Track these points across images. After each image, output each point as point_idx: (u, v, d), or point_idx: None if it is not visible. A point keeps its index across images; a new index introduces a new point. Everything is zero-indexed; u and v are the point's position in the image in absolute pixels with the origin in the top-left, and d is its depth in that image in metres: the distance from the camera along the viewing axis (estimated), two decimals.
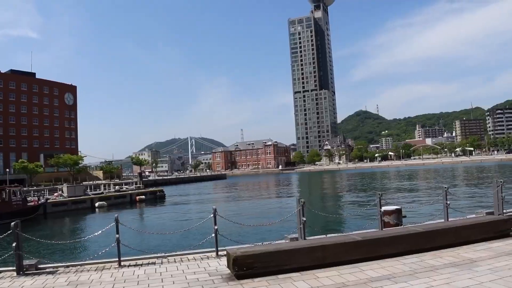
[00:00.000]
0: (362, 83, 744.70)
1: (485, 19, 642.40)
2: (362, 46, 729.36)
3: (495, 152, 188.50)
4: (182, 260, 8.32)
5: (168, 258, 8.59)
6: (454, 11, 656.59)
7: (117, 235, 7.97)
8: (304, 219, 8.50)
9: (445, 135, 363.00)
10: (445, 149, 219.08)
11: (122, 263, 8.11)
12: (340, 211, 27.93)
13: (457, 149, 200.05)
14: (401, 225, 10.11)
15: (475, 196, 32.54)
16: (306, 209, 8.85)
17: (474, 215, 11.48)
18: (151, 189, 55.94)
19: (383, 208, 10.16)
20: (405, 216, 10.37)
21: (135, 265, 8.08)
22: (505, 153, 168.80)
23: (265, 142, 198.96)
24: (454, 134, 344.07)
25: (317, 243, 6.75)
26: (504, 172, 69.20)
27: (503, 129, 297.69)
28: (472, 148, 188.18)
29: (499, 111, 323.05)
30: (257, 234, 17.56)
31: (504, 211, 11.04)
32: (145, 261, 8.34)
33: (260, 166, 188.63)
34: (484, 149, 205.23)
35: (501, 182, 10.90)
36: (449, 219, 10.37)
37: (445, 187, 9.99)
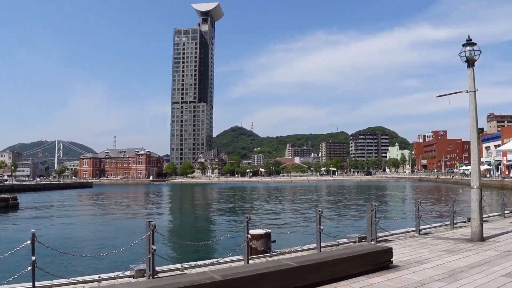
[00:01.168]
0: (240, 100, 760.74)
1: (355, 54, 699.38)
2: (243, 65, 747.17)
3: (355, 173, 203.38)
4: None
5: None
6: (330, 43, 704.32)
7: None
8: (154, 247, 6.77)
9: (312, 155, 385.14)
10: (311, 168, 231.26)
11: None
12: (204, 234, 24.80)
13: (322, 169, 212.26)
14: (269, 252, 8.85)
15: (342, 216, 33.29)
16: (162, 233, 7.11)
17: (345, 240, 10.71)
18: (1, 195, 49.11)
19: (251, 232, 8.84)
20: (274, 241, 9.18)
21: None
22: (364, 175, 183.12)
23: (138, 151, 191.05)
24: (320, 155, 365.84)
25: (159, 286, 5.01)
26: (363, 191, 73.98)
27: (363, 153, 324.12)
28: (335, 169, 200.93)
29: (361, 136, 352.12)
30: (94, 264, 14.60)
31: (377, 234, 10.45)
32: None
33: (130, 176, 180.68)
34: (346, 170, 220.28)
35: (375, 206, 10.26)
36: (322, 245, 9.41)
37: (319, 211, 8.96)
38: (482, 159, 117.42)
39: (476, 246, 9.67)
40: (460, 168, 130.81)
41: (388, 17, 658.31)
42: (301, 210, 37.99)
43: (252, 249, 8.82)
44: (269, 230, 9.15)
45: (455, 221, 13.38)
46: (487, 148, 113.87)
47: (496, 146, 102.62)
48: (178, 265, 7.74)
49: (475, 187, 10.71)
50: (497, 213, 16.61)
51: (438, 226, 13.37)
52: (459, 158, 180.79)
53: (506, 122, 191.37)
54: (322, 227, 8.83)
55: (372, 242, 10.16)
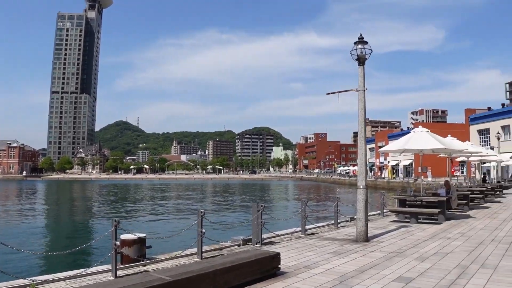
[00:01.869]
0: (126, 93, 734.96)
1: (246, 55, 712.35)
2: (131, 57, 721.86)
3: (241, 172, 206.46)
4: None
5: None
6: (222, 42, 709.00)
7: None
8: None
9: (199, 153, 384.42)
10: (198, 166, 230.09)
11: None
12: (71, 240, 20.97)
13: (208, 167, 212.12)
14: (143, 260, 7.69)
15: (227, 216, 32.72)
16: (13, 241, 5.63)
17: (229, 243, 9.91)
18: None
19: (122, 237, 7.62)
20: (150, 247, 8.04)
21: None
22: (249, 173, 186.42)
23: (10, 144, 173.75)
24: (207, 153, 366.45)
25: None
26: (248, 190, 74.72)
27: (249, 152, 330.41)
28: (221, 167, 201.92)
29: (247, 135, 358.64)
30: None
31: (263, 236, 9.79)
32: None
33: (0, 171, 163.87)
34: (232, 168, 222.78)
35: (261, 206, 9.58)
36: (204, 249, 8.47)
37: (201, 212, 8.02)
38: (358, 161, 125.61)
39: (362, 247, 9.43)
40: (338, 168, 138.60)
41: (278, 22, 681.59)
42: (184, 210, 36.70)
43: (124, 257, 7.61)
44: (144, 235, 7.97)
45: (338, 221, 13.27)
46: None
47: (371, 149, 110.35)
48: (27, 281, 6.27)
49: (361, 187, 10.53)
50: (377, 212, 17.02)
51: (323, 226, 13.17)
52: (337, 159, 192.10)
53: (379, 127, 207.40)
54: (203, 230, 7.89)
55: (258, 245, 9.47)
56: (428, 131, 15.01)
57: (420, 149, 15.07)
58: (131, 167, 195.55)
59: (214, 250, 9.09)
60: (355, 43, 10.60)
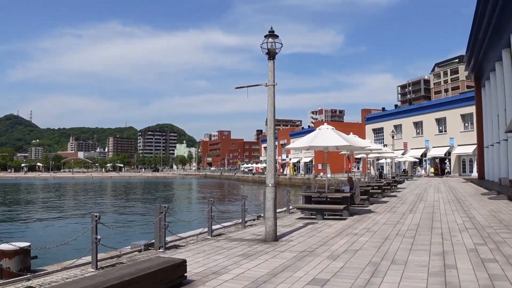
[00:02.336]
0: (18, 85, 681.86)
1: (150, 49, 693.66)
2: (25, 46, 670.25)
3: (143, 169, 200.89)
4: None
5: None
6: (124, 35, 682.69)
7: None
8: None
9: (98, 150, 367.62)
10: (97, 164, 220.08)
11: None
12: None
13: (108, 165, 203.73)
14: (27, 273, 6.61)
15: (127, 218, 31.19)
16: None
17: (129, 248, 9.02)
18: None
19: (1, 248, 6.50)
20: (36, 257, 6.98)
21: None
22: (151, 171, 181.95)
23: None
24: (107, 150, 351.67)
25: None
26: (150, 189, 72.54)
27: (152, 149, 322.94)
28: (122, 165, 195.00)
29: (150, 132, 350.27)
30: None
31: (167, 239, 9.03)
32: None
33: None
34: (133, 166, 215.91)
35: (165, 208, 8.82)
36: (100, 256, 7.55)
37: (96, 216, 7.11)
38: (261, 158, 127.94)
39: (272, 247, 9.05)
40: (241, 166, 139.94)
41: (184, 18, 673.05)
42: (79, 213, 34.24)
43: (3, 271, 6.49)
44: (28, 244, 6.89)
45: (246, 219, 12.86)
46: (266, 148, 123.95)
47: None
48: None
49: (270, 185, 10.17)
50: (283, 209, 16.90)
51: (230, 226, 12.67)
52: (241, 157, 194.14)
53: (281, 125, 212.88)
54: (99, 237, 6.97)
55: (161, 250, 8.71)
56: (333, 129, 15.15)
57: (326, 146, 15.16)
58: (23, 165, 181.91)
59: (112, 257, 8.16)
60: (265, 36, 10.20)
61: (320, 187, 19.59)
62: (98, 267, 7.22)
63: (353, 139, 15.99)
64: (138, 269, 5.31)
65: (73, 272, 7.10)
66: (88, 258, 7.56)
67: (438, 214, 14.86)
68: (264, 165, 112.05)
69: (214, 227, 11.22)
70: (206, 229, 10.87)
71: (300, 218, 14.47)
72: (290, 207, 16.94)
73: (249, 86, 10.52)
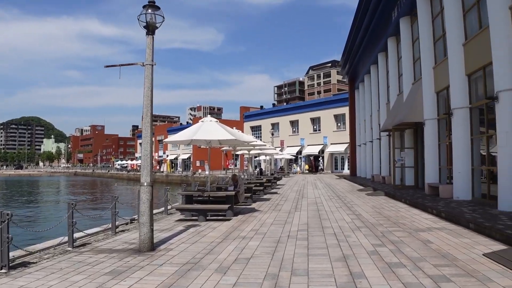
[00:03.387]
0: None
1: (16, 34, 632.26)
2: None
3: (5, 167, 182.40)
4: None
5: None
6: None
7: None
8: None
9: None
10: None
11: None
12: None
13: None
14: None
15: None
16: None
17: None
18: None
19: None
20: None
21: None
22: (14, 169, 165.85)
23: None
24: None
25: None
26: (12, 189, 65.23)
27: (15, 144, 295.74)
28: None
29: (13, 126, 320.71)
30: None
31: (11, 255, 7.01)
32: None
33: None
34: None
35: (7, 216, 6.81)
36: None
37: None
38: (136, 155, 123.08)
39: (148, 259, 7.50)
40: (116, 162, 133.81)
41: (57, 3, 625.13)
42: None
43: None
44: None
45: (116, 224, 11.08)
46: (141, 144, 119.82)
47: None
48: None
49: (145, 184, 8.60)
50: (160, 210, 15.31)
51: (98, 233, 10.77)
52: (115, 153, 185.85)
53: (159, 121, 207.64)
54: None
55: (4, 270, 6.69)
56: (217, 121, 13.94)
57: (210, 140, 13.88)
58: None
59: None
60: (144, 6, 8.59)
61: (201, 185, 18.30)
62: None
63: (238, 134, 14.93)
64: None
65: None
66: None
67: (324, 211, 14.44)
68: (139, 161, 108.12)
69: (76, 235, 9.30)
70: (66, 239, 8.89)
71: (180, 220, 13.02)
72: (169, 207, 15.40)
73: (122, 65, 8.81)
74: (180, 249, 8.43)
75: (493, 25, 12.68)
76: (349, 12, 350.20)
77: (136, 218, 12.08)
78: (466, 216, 10.99)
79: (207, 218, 12.84)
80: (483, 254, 7.34)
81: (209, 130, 12.99)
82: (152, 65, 8.71)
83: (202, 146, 14.81)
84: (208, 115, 14.13)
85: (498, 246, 7.96)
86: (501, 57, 12.25)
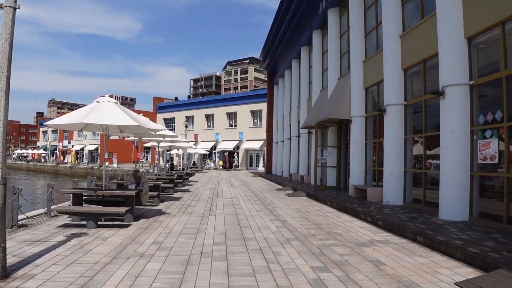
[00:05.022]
0: None
1: None
2: None
3: None
4: None
5: None
6: None
7: None
8: None
9: None
10: None
11: None
12: None
13: None
14: None
15: None
16: None
17: None
18: None
19: None
20: None
21: None
22: None
23: None
24: None
25: None
26: None
27: None
28: None
29: None
30: None
31: None
32: None
33: None
34: None
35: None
36: None
37: None
38: (39, 144, 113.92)
39: None
40: (15, 151, 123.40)
41: None
42: None
43: None
44: None
45: None
46: (45, 132, 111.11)
47: (54, 131, 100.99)
48: None
49: None
50: (41, 212, 12.30)
51: None
52: (16, 141, 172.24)
53: (66, 108, 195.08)
54: None
55: None
56: (117, 103, 11.25)
57: (106, 125, 11.16)
58: None
59: None
60: None
61: (101, 179, 15.43)
62: None
63: (143, 120, 12.30)
64: None
65: None
66: None
67: (243, 216, 12.31)
68: (41, 151, 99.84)
69: None
70: None
71: (65, 225, 10.21)
72: (53, 206, 12.38)
73: None
74: (46, 276, 5.81)
75: (441, 12, 11.28)
76: (270, 11, 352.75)
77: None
78: (410, 227, 9.41)
79: (100, 223, 10.20)
80: (455, 283, 5.61)
81: (105, 112, 10.25)
82: (15, 8, 6.00)
83: (98, 133, 11.87)
84: (106, 95, 11.03)
85: (464, 269, 6.34)
86: (449, 48, 10.87)
